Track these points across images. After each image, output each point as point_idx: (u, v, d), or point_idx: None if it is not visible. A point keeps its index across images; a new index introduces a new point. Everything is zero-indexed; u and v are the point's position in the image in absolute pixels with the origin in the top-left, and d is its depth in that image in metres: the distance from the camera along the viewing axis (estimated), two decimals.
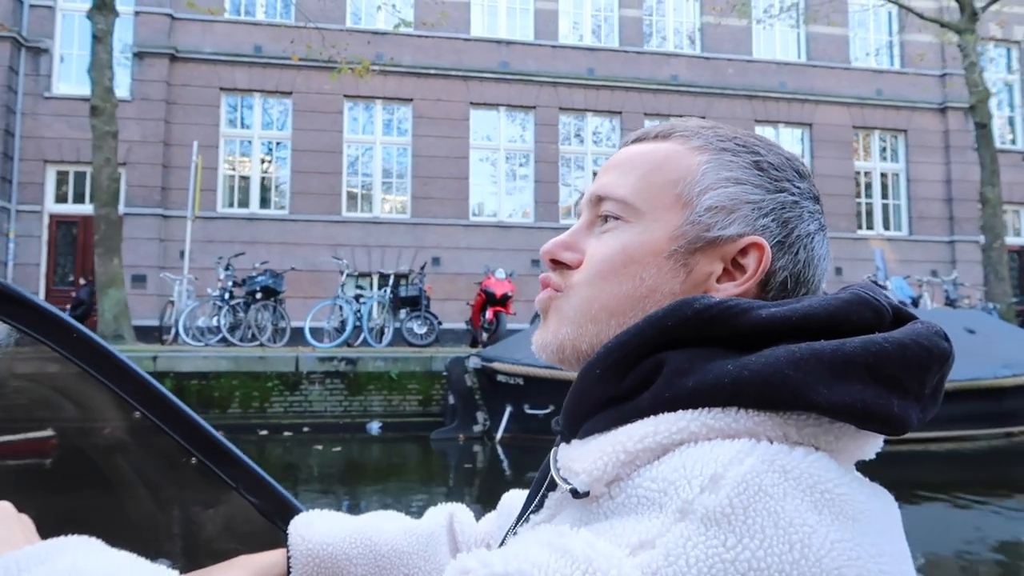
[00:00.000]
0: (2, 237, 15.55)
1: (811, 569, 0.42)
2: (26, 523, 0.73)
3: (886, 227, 19.94)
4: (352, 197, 17.56)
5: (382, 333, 12.19)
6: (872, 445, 0.54)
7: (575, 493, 0.51)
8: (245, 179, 17.33)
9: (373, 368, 9.46)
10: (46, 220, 16.17)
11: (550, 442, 0.63)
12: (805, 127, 19.66)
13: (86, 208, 16.41)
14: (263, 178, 17.45)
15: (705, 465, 0.45)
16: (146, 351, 8.85)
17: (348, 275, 14.20)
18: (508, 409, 8.47)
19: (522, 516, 0.64)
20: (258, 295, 11.00)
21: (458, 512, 1.00)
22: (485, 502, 5.30)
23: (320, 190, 17.16)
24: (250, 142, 17.33)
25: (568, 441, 0.58)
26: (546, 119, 18.24)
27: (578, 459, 0.53)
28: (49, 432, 1.13)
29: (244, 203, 17.16)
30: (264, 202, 17.29)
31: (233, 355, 9.18)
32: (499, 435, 8.55)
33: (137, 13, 16.73)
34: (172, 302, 11.27)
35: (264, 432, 8.53)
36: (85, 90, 16.56)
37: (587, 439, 0.55)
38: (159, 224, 16.52)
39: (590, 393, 0.56)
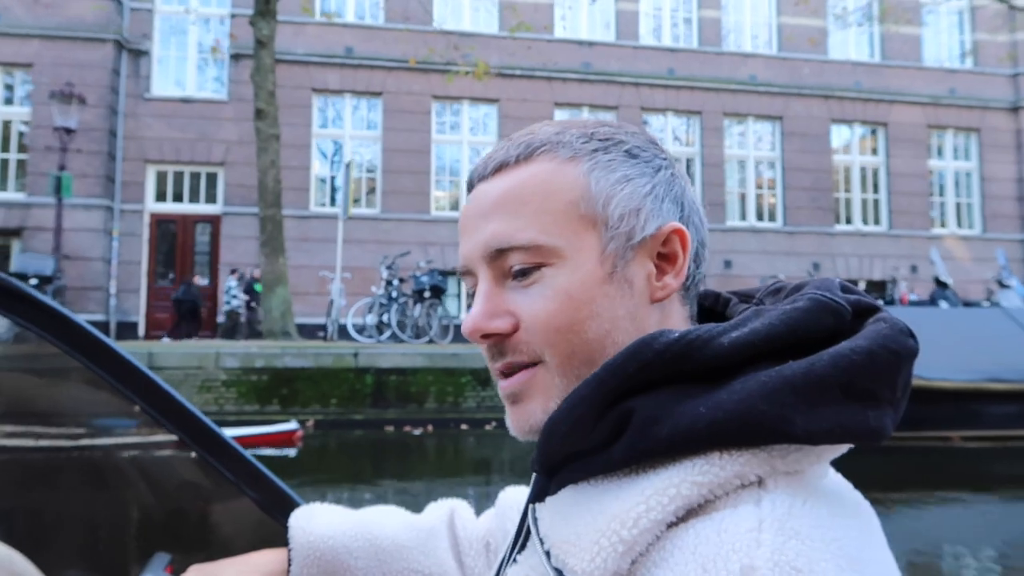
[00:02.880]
0: (106, 235, 15.88)
1: None
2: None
3: (959, 225, 20.13)
4: (440, 196, 17.86)
5: None
6: (845, 446, 0.53)
7: None
8: (337, 178, 17.62)
9: None
10: (147, 219, 16.50)
11: None
12: (880, 126, 19.84)
13: (184, 207, 16.78)
14: (356, 178, 17.74)
15: (728, 560, 0.43)
16: (347, 348, 9.16)
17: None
18: None
19: (509, 556, 0.63)
20: (426, 293, 11.30)
21: (459, 508, 0.99)
22: None
23: (410, 189, 17.45)
24: (341, 142, 17.62)
25: (542, 490, 0.58)
26: (628, 119, 18.48)
27: (571, 552, 0.50)
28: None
29: (335, 202, 17.46)
30: (355, 201, 17.58)
31: (428, 352, 9.51)
32: None
33: (233, 15, 17.02)
34: (332, 300, 11.58)
35: (464, 426, 8.91)
36: (182, 91, 16.91)
37: (564, 496, 0.55)
38: (257, 223, 16.80)
39: (558, 448, 0.55)
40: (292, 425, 7.76)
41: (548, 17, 18.53)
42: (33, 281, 10.74)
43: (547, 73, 18.12)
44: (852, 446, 0.53)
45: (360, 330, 11.19)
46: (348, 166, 12.03)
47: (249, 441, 7.13)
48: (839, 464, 0.55)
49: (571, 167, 0.59)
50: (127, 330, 15.82)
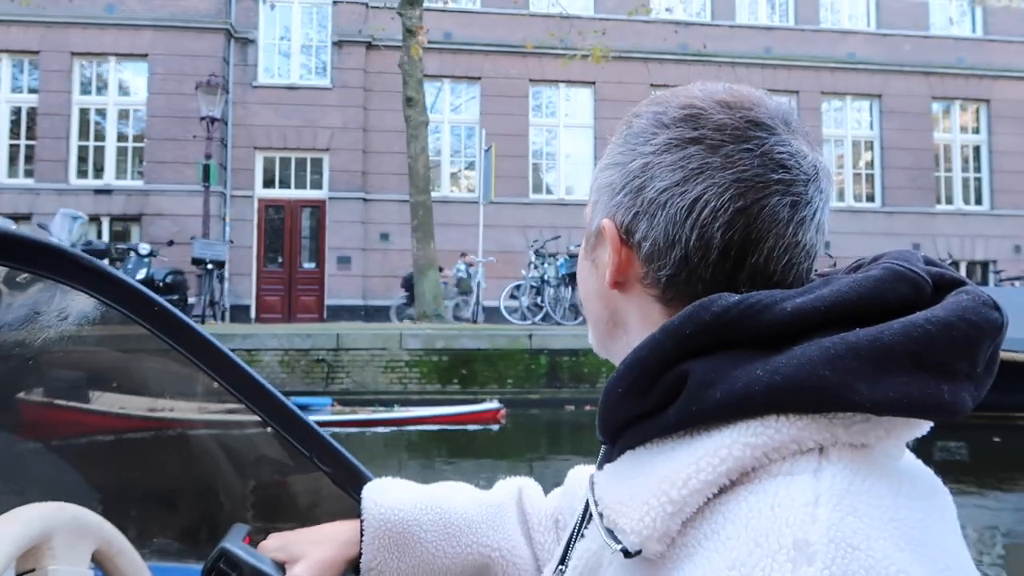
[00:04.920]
0: (219, 221, 16.35)
1: None
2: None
3: None
4: (538, 180, 17.99)
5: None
6: (924, 425, 0.50)
7: (626, 553, 0.49)
8: (435, 163, 17.85)
9: None
10: (256, 204, 16.94)
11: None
12: (983, 103, 19.35)
13: (290, 192, 17.17)
14: (452, 162, 17.96)
15: (781, 535, 0.43)
16: (521, 330, 9.44)
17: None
18: None
19: (578, 530, 0.65)
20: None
21: (527, 486, 1.00)
22: None
23: (509, 173, 17.60)
24: (439, 127, 17.81)
25: (604, 461, 0.58)
26: None
27: (622, 512, 0.50)
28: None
29: (435, 186, 17.69)
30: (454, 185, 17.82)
31: None
32: None
33: (335, 2, 17.27)
34: (479, 283, 11.86)
35: None
36: (287, 79, 17.25)
37: (621, 464, 0.54)
38: (361, 207, 17.15)
39: (615, 412, 0.55)
40: (495, 404, 8.05)
41: None
42: (209, 266, 11.22)
43: (643, 54, 18.04)
44: (931, 426, 0.50)
45: (511, 312, 11.44)
46: (490, 150, 12.21)
47: (455, 419, 7.40)
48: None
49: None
50: (239, 313, 16.31)
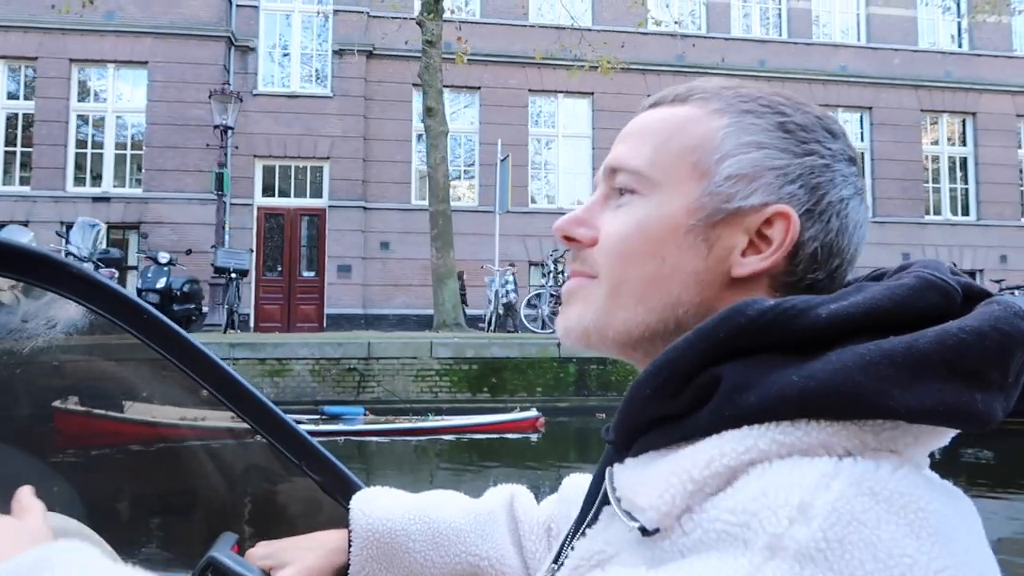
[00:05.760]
0: (220, 229, 16.25)
1: None
2: (30, 513, 0.74)
3: None
4: (536, 189, 18.11)
5: None
6: (948, 434, 0.50)
7: (644, 531, 0.48)
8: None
9: None
10: (255, 213, 16.85)
11: None
12: (969, 116, 19.83)
13: (290, 201, 17.11)
14: (451, 171, 18.01)
15: (789, 492, 0.43)
16: (549, 338, 9.50)
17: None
18: None
19: (578, 529, 0.62)
20: None
21: (519, 494, 0.98)
22: None
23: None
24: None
25: (622, 458, 0.55)
26: None
27: (640, 491, 0.49)
28: None
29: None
30: (458, 199, 17.86)
31: None
32: None
33: (336, 11, 17.29)
34: (497, 291, 11.90)
35: None
36: (288, 87, 17.22)
37: (643, 458, 0.53)
38: (361, 216, 17.13)
39: (642, 411, 0.53)
40: (533, 412, 8.09)
41: (641, 11, 18.64)
42: (233, 275, 11.15)
43: (641, 66, 18.24)
44: (955, 435, 0.50)
45: (531, 320, 11.51)
46: (506, 160, 12.29)
47: (495, 427, 7.43)
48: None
49: (713, 119, 0.59)
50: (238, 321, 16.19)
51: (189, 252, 12.30)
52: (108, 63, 16.39)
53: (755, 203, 0.57)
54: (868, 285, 0.53)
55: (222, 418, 1.04)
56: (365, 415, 7.98)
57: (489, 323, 12.34)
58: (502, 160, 12.75)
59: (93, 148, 16.38)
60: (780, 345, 0.49)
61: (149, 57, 16.26)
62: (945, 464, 6.94)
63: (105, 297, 0.94)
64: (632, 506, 0.49)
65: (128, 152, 16.47)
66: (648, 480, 0.49)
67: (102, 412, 1.23)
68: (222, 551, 0.86)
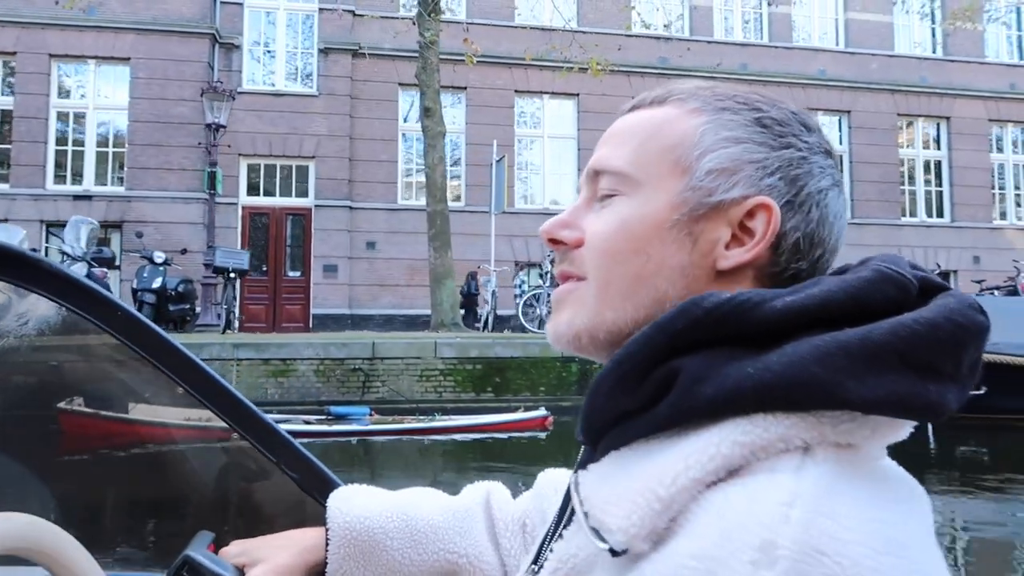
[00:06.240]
0: (204, 228, 16.07)
1: None
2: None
3: (1018, 218, 20.66)
4: (521, 189, 18.17)
5: None
6: (906, 427, 0.51)
7: (613, 552, 0.48)
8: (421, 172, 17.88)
9: None
10: (240, 212, 16.70)
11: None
12: (943, 120, 20.30)
13: (276, 200, 16.98)
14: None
15: (749, 533, 0.42)
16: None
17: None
18: None
19: (554, 532, 0.63)
20: None
21: (495, 490, 0.99)
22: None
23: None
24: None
25: (587, 460, 0.56)
26: None
27: (608, 511, 0.49)
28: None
29: (421, 196, 17.72)
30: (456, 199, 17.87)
31: None
32: None
33: (321, 10, 17.19)
34: (494, 293, 11.93)
35: None
36: (272, 85, 17.09)
37: (606, 463, 0.54)
38: (347, 216, 17.06)
39: (603, 408, 0.54)
40: (542, 412, 8.15)
41: (625, 14, 18.80)
42: (232, 275, 11.03)
43: (626, 68, 18.39)
44: (913, 427, 0.51)
45: (530, 320, 11.55)
46: (501, 161, 12.32)
47: (504, 427, 7.46)
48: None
49: (691, 117, 0.61)
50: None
51: (184, 252, 12.14)
52: (89, 59, 16.14)
53: (736, 196, 0.58)
54: (826, 279, 0.54)
55: (199, 416, 1.03)
56: (370, 415, 7.99)
57: (484, 323, 12.39)
58: (498, 161, 12.80)
59: (74, 145, 16.11)
60: (738, 338, 0.50)
61: (131, 53, 16.03)
62: (945, 464, 7.13)
63: (80, 295, 0.93)
64: (600, 524, 0.49)
65: (110, 150, 16.23)
66: (615, 499, 0.49)
67: (77, 410, 1.22)
68: (198, 550, 0.87)
